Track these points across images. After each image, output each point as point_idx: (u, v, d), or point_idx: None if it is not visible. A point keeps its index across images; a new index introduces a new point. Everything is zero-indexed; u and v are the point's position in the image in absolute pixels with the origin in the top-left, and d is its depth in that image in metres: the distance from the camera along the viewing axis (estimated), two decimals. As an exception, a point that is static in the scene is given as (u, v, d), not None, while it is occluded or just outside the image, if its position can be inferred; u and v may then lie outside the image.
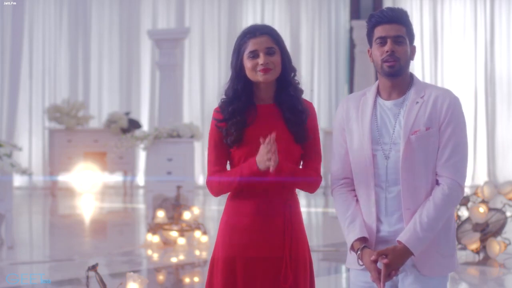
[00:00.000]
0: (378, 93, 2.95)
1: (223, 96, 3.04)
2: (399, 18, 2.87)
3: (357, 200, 2.94)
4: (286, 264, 2.96)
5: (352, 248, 2.88)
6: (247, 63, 2.96)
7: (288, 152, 2.97)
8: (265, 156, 2.85)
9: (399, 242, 2.80)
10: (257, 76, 2.96)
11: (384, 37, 2.85)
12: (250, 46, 2.96)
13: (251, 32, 2.97)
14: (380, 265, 2.80)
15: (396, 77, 2.87)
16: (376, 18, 2.88)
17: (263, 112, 3.00)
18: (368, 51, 2.95)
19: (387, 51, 2.84)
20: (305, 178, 3.00)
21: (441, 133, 2.83)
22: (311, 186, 3.02)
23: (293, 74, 3.03)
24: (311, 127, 3.01)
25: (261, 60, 2.94)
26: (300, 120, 2.98)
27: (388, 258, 2.77)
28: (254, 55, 2.95)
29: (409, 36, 2.89)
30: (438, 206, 2.79)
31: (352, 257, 2.92)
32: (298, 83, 3.04)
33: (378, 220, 2.87)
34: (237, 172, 2.95)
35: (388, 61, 2.85)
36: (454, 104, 2.85)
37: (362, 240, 2.85)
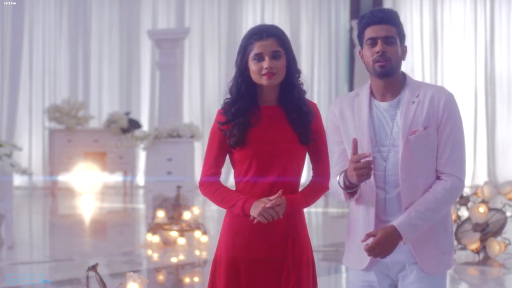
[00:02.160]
0: (371, 94, 2.94)
1: (227, 95, 3.04)
2: (389, 19, 2.87)
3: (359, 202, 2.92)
4: (288, 266, 2.96)
5: (344, 182, 2.83)
6: (252, 66, 2.96)
7: (292, 154, 2.98)
8: (262, 211, 2.87)
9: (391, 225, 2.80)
10: (261, 80, 2.95)
11: (374, 38, 2.85)
12: (256, 49, 2.95)
13: (258, 34, 2.97)
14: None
15: (388, 77, 2.87)
16: (366, 19, 2.88)
17: (267, 113, 3.00)
18: (360, 52, 2.95)
19: (377, 52, 2.84)
20: (318, 195, 3.05)
21: (440, 131, 2.83)
22: (324, 192, 3.07)
23: (297, 75, 3.02)
24: (316, 128, 3.01)
25: (265, 64, 2.93)
26: (305, 121, 2.98)
27: (377, 235, 2.76)
28: (260, 58, 2.94)
29: (399, 36, 2.88)
30: (437, 199, 2.80)
31: (350, 256, 2.93)
32: (302, 84, 3.03)
33: (380, 220, 2.87)
34: (230, 201, 2.96)
35: (379, 61, 2.85)
36: (450, 102, 2.85)
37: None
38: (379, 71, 2.85)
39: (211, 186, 3.02)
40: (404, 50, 2.91)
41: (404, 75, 2.93)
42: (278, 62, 2.95)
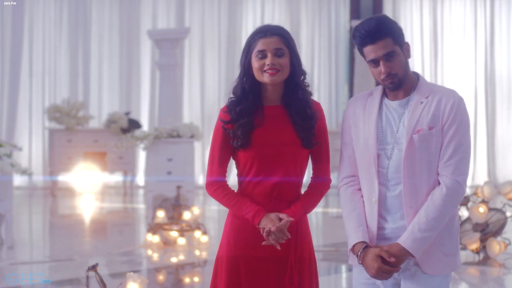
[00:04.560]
0: (384, 93, 2.96)
1: (231, 95, 3.02)
2: (381, 32, 2.83)
3: (363, 201, 2.95)
4: (291, 265, 2.96)
5: (352, 249, 2.90)
6: (255, 63, 2.95)
7: (295, 156, 2.97)
8: (273, 231, 2.86)
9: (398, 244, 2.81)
10: (263, 77, 2.94)
11: (375, 59, 2.85)
12: (259, 46, 2.94)
13: (262, 32, 2.97)
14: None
15: (400, 88, 2.89)
16: (359, 39, 2.86)
17: (271, 113, 2.99)
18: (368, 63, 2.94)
19: (383, 73, 2.85)
20: (317, 200, 3.04)
21: (444, 132, 2.84)
22: (323, 194, 3.06)
23: (302, 77, 3.01)
24: (319, 130, 3.00)
25: (268, 60, 2.92)
26: (309, 125, 2.97)
27: (392, 261, 2.80)
28: (262, 55, 2.94)
29: (398, 42, 2.86)
30: (437, 207, 2.80)
31: (353, 255, 2.93)
32: (308, 86, 3.02)
33: (382, 217, 2.88)
34: (240, 210, 2.95)
35: (387, 80, 2.86)
36: (458, 104, 2.85)
37: (364, 243, 2.87)
38: (390, 87, 2.88)
39: (220, 189, 3.01)
40: (407, 49, 2.91)
41: (417, 76, 2.94)
42: (281, 60, 2.94)
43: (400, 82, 2.87)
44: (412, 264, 2.86)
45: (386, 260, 2.79)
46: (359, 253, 2.85)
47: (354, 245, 2.88)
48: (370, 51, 2.84)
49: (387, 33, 2.83)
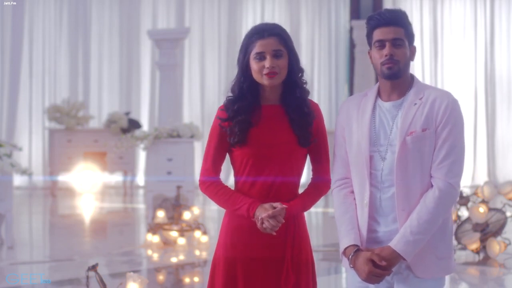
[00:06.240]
0: (378, 94, 2.95)
1: (229, 94, 3.02)
2: (398, 20, 2.87)
3: (356, 204, 2.94)
4: (287, 266, 2.95)
5: (344, 252, 2.89)
6: (253, 65, 2.94)
7: (291, 155, 2.96)
8: (265, 218, 2.85)
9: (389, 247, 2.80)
10: (263, 80, 2.94)
11: (382, 40, 2.86)
12: (257, 47, 2.93)
13: (259, 33, 2.95)
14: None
15: (395, 79, 2.87)
16: (375, 21, 2.88)
17: (268, 112, 2.98)
18: (369, 52, 2.95)
19: (386, 55, 2.84)
20: (316, 199, 3.02)
21: (438, 134, 2.82)
22: (323, 194, 3.05)
23: (300, 74, 3.00)
24: (316, 129, 2.99)
25: (267, 63, 2.91)
26: (305, 122, 2.96)
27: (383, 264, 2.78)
28: (261, 57, 2.93)
29: (408, 38, 2.88)
30: (429, 209, 2.78)
31: (345, 258, 2.93)
32: (306, 83, 3.01)
33: (374, 220, 2.87)
34: (234, 204, 2.94)
35: (387, 63, 2.85)
36: (452, 106, 2.83)
37: (355, 246, 2.86)
38: (386, 73, 2.86)
39: (212, 186, 3.00)
40: (412, 51, 2.92)
41: (412, 77, 2.94)
42: (279, 61, 2.93)
43: (398, 72, 2.86)
44: (404, 268, 2.85)
45: (377, 263, 2.78)
46: (350, 257, 2.84)
47: (345, 248, 2.87)
48: (381, 32, 2.86)
49: (402, 24, 2.87)
